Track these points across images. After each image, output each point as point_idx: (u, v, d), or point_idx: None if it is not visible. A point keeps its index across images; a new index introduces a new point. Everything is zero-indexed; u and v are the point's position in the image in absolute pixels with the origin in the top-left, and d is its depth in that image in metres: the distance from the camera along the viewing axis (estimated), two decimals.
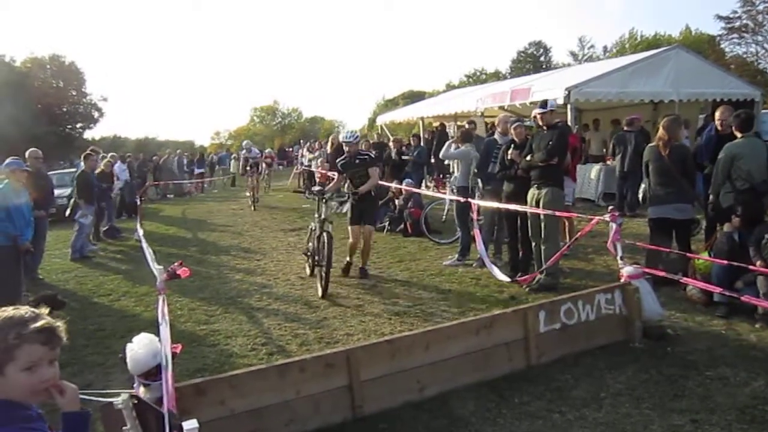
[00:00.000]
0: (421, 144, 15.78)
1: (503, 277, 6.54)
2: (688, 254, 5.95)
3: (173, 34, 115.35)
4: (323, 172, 17.02)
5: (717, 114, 7.07)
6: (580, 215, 7.77)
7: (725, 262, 5.11)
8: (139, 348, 3.30)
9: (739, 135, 6.15)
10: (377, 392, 3.78)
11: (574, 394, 3.88)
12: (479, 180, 7.86)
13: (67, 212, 11.05)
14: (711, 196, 6.35)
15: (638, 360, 4.36)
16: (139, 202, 14.10)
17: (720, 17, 38.28)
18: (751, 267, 5.02)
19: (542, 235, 6.42)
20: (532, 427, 3.51)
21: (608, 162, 12.46)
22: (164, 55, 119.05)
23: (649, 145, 6.60)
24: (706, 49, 33.42)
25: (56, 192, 10.57)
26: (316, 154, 19.91)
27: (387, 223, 10.91)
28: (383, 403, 3.78)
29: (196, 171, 26.53)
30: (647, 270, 5.21)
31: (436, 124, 19.12)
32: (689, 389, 3.85)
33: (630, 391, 3.89)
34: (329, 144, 16.95)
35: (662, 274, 5.34)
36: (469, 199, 7.54)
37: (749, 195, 5.86)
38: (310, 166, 19.78)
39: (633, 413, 3.59)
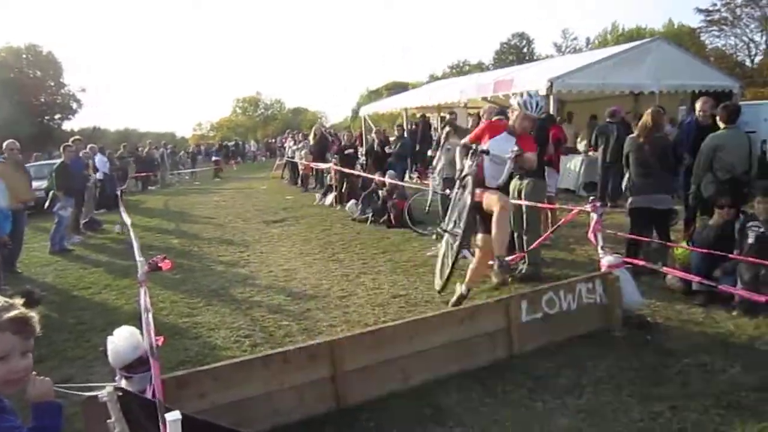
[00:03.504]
0: (405, 135, 15.77)
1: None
2: (667, 244, 6.04)
3: (154, 24, 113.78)
4: (306, 163, 16.97)
5: (698, 105, 7.16)
6: (561, 206, 7.83)
7: (704, 250, 5.20)
8: (120, 341, 3.27)
9: (722, 126, 6.23)
10: (361, 383, 3.78)
11: (555, 382, 3.92)
12: None
13: (46, 204, 10.88)
14: (693, 186, 6.44)
15: (618, 348, 4.42)
16: (120, 194, 13.92)
17: (700, 10, 38.81)
18: (730, 256, 5.12)
19: (524, 226, 6.47)
20: (514, 416, 3.54)
21: (590, 153, 12.57)
22: (145, 45, 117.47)
23: (630, 136, 6.67)
24: (687, 41, 33.78)
25: (34, 184, 10.38)
26: (300, 145, 19.82)
27: (371, 215, 10.90)
28: (367, 393, 3.79)
29: (213, 158, 29.34)
30: (627, 259, 5.28)
31: (419, 115, 19.13)
32: (668, 376, 3.92)
33: (610, 378, 3.94)
34: (312, 135, 16.90)
35: (642, 263, 5.41)
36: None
37: (730, 185, 5.97)
38: (293, 157, 19.70)
39: (613, 400, 3.64)
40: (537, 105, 5.03)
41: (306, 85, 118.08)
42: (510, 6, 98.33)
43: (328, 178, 14.80)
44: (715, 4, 37.69)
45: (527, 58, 52.53)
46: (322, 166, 15.27)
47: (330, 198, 13.87)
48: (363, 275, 7.12)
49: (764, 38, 37.15)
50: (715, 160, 6.08)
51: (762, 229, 5.29)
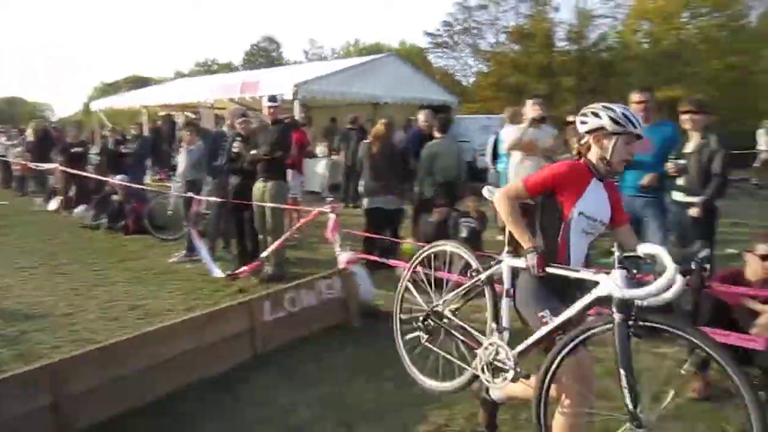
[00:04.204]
0: (144, 134, 14.71)
1: (219, 274, 6.59)
2: (396, 240, 6.73)
3: None
4: (24, 163, 14.70)
5: (420, 116, 8.10)
6: (305, 207, 8.14)
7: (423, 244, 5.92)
8: None
9: (438, 135, 7.14)
10: (91, 405, 3.43)
11: (298, 376, 4.10)
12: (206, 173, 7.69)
13: None
14: (416, 188, 7.27)
15: (356, 338, 4.78)
16: None
17: (428, 33, 43.76)
18: None
19: (269, 228, 6.58)
20: (258, 414, 3.60)
21: (333, 156, 13.33)
22: None
23: (364, 141, 7.27)
24: (417, 60, 37.70)
25: None
26: (16, 142, 17.05)
27: (105, 220, 9.92)
28: (99, 415, 3.45)
29: None
30: (362, 255, 5.75)
31: (162, 113, 18.04)
32: (393, 357, 4.35)
33: (348, 366, 4.26)
34: (32, 131, 14.69)
35: (375, 258, 5.93)
36: (194, 195, 7.34)
37: (446, 187, 6.89)
38: (6, 155, 16.86)
39: (352, 386, 3.94)
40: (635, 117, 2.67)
41: (23, 72, 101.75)
42: (260, 9, 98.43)
43: (53, 180, 13.05)
44: (438, 29, 42.84)
45: (276, 62, 53.26)
46: (45, 166, 13.38)
47: (55, 203, 12.25)
48: (96, 288, 6.46)
49: (476, 62, 43.44)
50: (433, 165, 6.96)
51: (473, 225, 6.23)
